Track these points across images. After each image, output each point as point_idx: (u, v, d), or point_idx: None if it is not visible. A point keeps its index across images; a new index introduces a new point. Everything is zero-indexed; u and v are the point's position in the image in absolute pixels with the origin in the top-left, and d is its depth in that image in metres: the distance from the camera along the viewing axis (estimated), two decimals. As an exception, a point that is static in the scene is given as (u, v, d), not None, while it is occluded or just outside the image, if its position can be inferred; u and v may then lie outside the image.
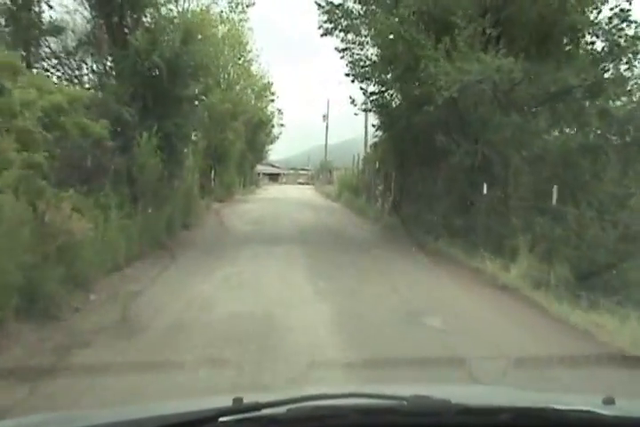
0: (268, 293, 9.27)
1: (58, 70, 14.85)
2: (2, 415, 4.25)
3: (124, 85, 14.07)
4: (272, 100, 44.11)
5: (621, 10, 13.08)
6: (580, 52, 13.87)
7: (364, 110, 19.70)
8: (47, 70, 14.71)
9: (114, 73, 14.40)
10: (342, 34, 18.00)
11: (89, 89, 14.44)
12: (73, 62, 14.53)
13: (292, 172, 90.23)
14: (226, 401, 1.85)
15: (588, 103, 13.40)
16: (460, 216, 14.42)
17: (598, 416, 1.88)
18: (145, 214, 13.25)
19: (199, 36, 15.89)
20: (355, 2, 16.34)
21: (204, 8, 21.60)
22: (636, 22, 13.09)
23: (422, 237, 15.11)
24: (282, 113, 46.43)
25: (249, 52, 32.15)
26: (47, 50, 14.80)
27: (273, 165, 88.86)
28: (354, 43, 18.23)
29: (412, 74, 14.02)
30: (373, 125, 22.26)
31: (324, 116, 61.71)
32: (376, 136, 25.83)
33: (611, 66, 13.46)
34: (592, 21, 13.71)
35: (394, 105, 18.06)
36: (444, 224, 14.69)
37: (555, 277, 9.28)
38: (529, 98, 13.11)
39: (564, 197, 11.97)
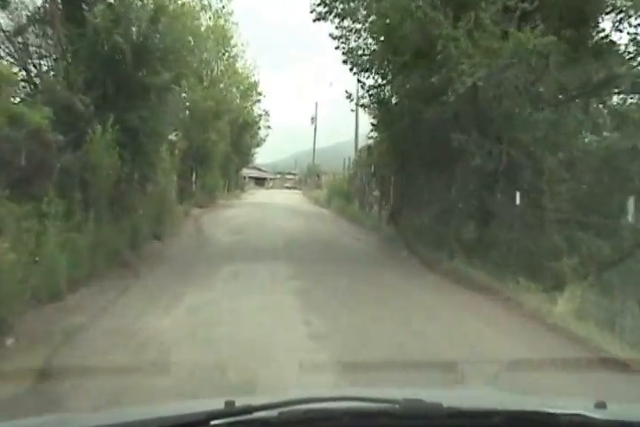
0: (246, 336, 6.82)
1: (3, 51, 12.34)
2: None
3: (79, 69, 11.60)
4: (258, 101, 41.74)
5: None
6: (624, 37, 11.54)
7: (362, 106, 17.32)
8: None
9: (68, 55, 11.89)
10: (337, 19, 15.71)
11: (38, 74, 11.95)
12: (19, 42, 12.00)
13: (278, 176, 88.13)
14: (218, 404, 1.83)
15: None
16: (477, 230, 12.06)
17: (590, 420, 1.87)
18: (100, 225, 10.77)
19: (171, 14, 13.39)
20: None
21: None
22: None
23: (431, 254, 12.71)
24: (268, 114, 44.02)
25: (233, 47, 29.71)
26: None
27: (259, 169, 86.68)
28: (350, 30, 15.89)
29: (424, 59, 11.64)
30: (374, 124, 20.00)
31: (312, 119, 59.47)
32: (370, 137, 23.55)
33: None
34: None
35: (394, 100, 15.70)
36: (457, 238, 12.31)
37: (631, 318, 6.88)
38: (563, 89, 10.75)
39: (610, 208, 9.67)
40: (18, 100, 10.94)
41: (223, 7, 28.38)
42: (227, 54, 29.19)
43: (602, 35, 11.84)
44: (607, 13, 11.44)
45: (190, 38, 20.89)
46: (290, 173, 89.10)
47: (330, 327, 7.23)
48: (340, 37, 15.96)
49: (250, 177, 76.91)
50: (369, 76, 16.06)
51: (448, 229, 13.12)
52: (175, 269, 11.40)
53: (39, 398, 5.08)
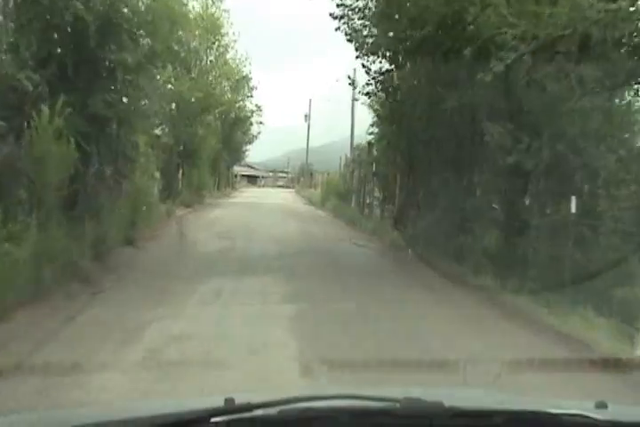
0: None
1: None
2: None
3: (30, 42, 9.40)
4: (250, 96, 39.50)
5: None
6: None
7: (366, 94, 15.17)
8: None
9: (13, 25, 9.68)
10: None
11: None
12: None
13: (271, 174, 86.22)
14: (217, 401, 1.79)
15: None
16: (507, 241, 9.96)
17: (591, 420, 1.84)
18: (48, 231, 8.58)
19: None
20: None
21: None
22: None
23: (450, 267, 10.62)
24: (261, 110, 41.72)
25: (223, 35, 27.40)
26: None
27: (252, 167, 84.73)
28: (353, 9, 13.74)
29: (449, 33, 9.52)
30: (379, 116, 17.98)
31: (305, 116, 57.27)
32: (371, 133, 21.56)
33: None
34: None
35: (404, 87, 13.60)
36: (484, 251, 10.21)
37: None
38: (622, 71, 8.63)
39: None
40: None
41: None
42: (217, 43, 26.93)
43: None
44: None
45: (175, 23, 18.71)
46: (282, 172, 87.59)
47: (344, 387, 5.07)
48: (342, 17, 13.84)
49: (242, 175, 75.05)
50: (374, 61, 13.96)
51: (470, 239, 11.03)
52: (144, 286, 9.24)
53: None
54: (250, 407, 1.76)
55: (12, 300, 7.28)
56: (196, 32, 26.37)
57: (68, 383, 5.00)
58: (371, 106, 22.22)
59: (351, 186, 26.99)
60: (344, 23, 13.72)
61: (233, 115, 39.42)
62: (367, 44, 12.96)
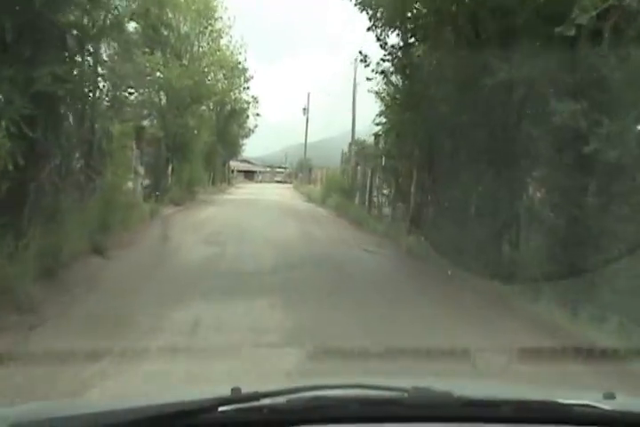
0: None
1: None
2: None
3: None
4: (247, 88, 37.10)
5: None
6: None
7: (381, 73, 12.81)
8: None
9: None
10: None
11: None
12: None
13: (268, 169, 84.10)
14: (224, 391, 1.77)
15: None
16: (572, 253, 7.63)
17: (601, 411, 1.81)
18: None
19: None
20: None
21: None
22: None
23: (493, 287, 8.29)
24: (257, 101, 39.35)
25: (216, 19, 24.91)
26: None
27: (249, 162, 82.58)
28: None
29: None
30: (396, 99, 15.71)
31: (304, 109, 54.97)
32: (378, 124, 19.19)
33: None
34: None
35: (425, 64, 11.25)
36: (542, 269, 7.88)
37: None
38: None
39: None
40: None
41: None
42: (209, 28, 24.47)
43: None
44: None
45: None
46: (280, 167, 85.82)
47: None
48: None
49: (239, 170, 73.03)
50: (390, 34, 11.62)
51: (516, 250, 8.71)
52: (98, 315, 6.88)
53: None
54: (257, 396, 1.74)
55: None
56: (188, 16, 23.99)
57: None
58: (378, 93, 19.95)
59: (354, 182, 24.67)
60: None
61: (228, 107, 37.10)
62: (383, 12, 10.63)
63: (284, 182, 68.16)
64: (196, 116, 24.99)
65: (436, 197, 12.44)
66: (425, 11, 9.84)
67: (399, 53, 11.30)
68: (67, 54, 8.25)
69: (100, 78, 11.78)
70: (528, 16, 6.42)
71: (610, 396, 1.92)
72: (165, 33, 23.90)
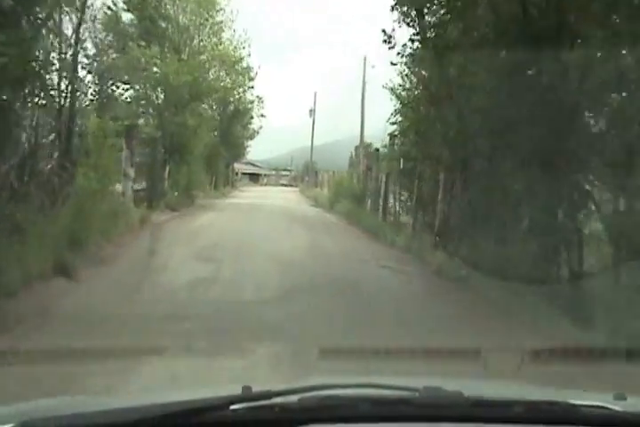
0: None
1: None
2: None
3: None
4: (251, 87, 35.07)
5: None
6: None
7: (410, 55, 10.80)
8: None
9: None
10: None
11: None
12: None
13: (273, 172, 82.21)
14: (235, 389, 1.76)
15: None
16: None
17: (611, 412, 1.80)
18: None
19: None
20: None
21: None
22: None
23: (569, 329, 6.22)
24: (262, 101, 37.31)
25: (218, 11, 22.85)
26: None
27: (254, 165, 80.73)
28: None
29: None
30: (403, 103, 13.95)
31: (310, 111, 52.98)
32: (394, 123, 17.23)
33: None
34: None
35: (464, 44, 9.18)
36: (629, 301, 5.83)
37: None
38: None
39: None
40: None
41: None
42: (210, 20, 22.42)
43: None
44: None
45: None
46: (285, 170, 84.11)
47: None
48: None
49: (243, 173, 71.23)
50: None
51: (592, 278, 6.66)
52: (36, 374, 4.88)
53: None
54: (269, 395, 1.73)
55: None
56: (187, 6, 22.00)
57: None
58: (393, 90, 18.00)
59: (366, 186, 22.63)
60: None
61: (232, 106, 35.12)
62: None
63: (290, 185, 66.26)
64: (195, 115, 22.96)
65: (469, 206, 10.38)
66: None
67: (431, 33, 9.28)
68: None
69: (80, 68, 9.74)
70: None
71: (620, 397, 1.88)
72: (163, 25, 21.93)
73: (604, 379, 4.64)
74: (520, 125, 8.38)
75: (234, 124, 36.54)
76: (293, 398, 1.70)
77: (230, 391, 1.75)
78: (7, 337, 5.85)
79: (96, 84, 14.93)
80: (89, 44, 14.30)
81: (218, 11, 22.59)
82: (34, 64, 7.39)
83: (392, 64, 11.91)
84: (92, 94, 15.06)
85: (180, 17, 21.82)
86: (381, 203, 18.39)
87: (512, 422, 1.79)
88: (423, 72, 12.38)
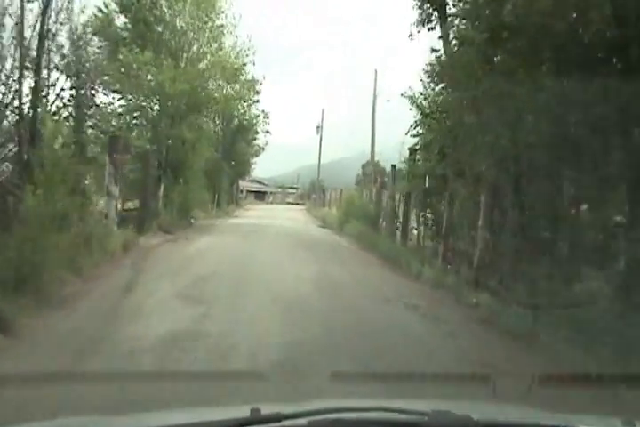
0: None
1: None
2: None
3: None
4: (256, 101, 33.05)
5: None
6: None
7: (457, 40, 8.72)
8: None
9: None
10: None
11: None
12: None
13: (279, 190, 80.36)
14: (243, 411, 1.75)
15: None
16: None
17: None
18: None
19: None
20: None
21: None
22: None
23: None
24: (268, 117, 35.32)
25: (219, 13, 20.74)
26: None
27: (260, 182, 78.93)
28: None
29: None
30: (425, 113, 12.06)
31: (317, 128, 50.99)
32: (415, 135, 15.22)
33: None
34: None
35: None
36: None
37: None
38: None
39: None
40: None
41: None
42: (209, 24, 20.33)
43: None
44: None
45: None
46: (292, 188, 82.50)
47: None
48: None
49: (249, 191, 69.46)
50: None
51: None
52: None
53: None
54: (279, 417, 1.70)
55: None
56: (184, 7, 19.96)
57: None
58: (413, 99, 15.90)
59: (379, 206, 20.42)
60: None
61: (236, 121, 33.08)
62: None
63: (296, 204, 64.35)
64: (194, 128, 20.84)
65: (525, 234, 8.14)
66: None
67: (485, 11, 7.11)
68: None
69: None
70: None
71: (629, 423, 1.86)
72: (159, 29, 19.90)
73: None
74: (605, 133, 6.18)
75: (238, 139, 34.49)
76: (302, 420, 1.69)
77: (239, 413, 1.74)
78: None
79: (72, 87, 12.84)
80: (64, 40, 12.17)
81: (218, 14, 20.50)
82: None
83: (433, 50, 9.73)
84: (68, 100, 12.99)
85: (177, 20, 19.76)
86: (399, 226, 16.16)
87: None
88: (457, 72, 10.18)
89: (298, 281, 10.49)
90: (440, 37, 13.26)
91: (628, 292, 5.94)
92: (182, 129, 19.29)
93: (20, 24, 9.44)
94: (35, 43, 10.00)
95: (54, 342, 6.34)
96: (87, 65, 13.07)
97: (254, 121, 34.35)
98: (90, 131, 13.93)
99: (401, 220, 16.18)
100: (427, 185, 13.01)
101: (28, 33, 10.06)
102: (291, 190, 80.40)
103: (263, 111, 35.48)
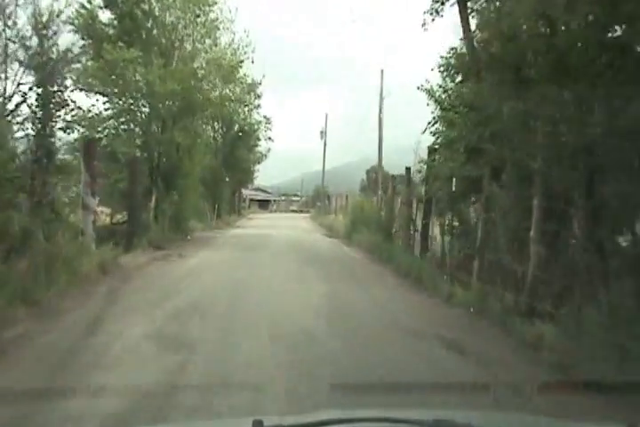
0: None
1: None
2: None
3: None
4: (258, 106, 31.18)
5: None
6: None
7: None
8: None
9: None
10: None
11: None
12: None
13: (283, 198, 78.64)
14: (246, 423, 1.71)
15: None
16: None
17: None
18: None
19: None
20: None
21: None
22: None
23: None
24: (269, 122, 33.41)
25: (212, 5, 18.71)
26: None
27: (263, 190, 77.16)
28: None
29: None
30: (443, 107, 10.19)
31: (321, 133, 49.12)
32: (436, 133, 13.41)
33: None
34: None
35: None
36: None
37: None
38: None
39: None
40: None
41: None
42: (202, 18, 18.40)
43: None
44: None
45: None
46: (295, 195, 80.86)
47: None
48: None
49: (252, 199, 67.64)
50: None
51: None
52: None
53: None
54: None
55: None
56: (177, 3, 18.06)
57: None
58: (430, 92, 14.10)
59: (392, 214, 18.41)
60: None
61: (236, 126, 31.17)
62: None
63: (300, 211, 62.52)
64: (189, 133, 18.89)
65: (601, 248, 6.14)
66: None
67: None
68: None
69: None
70: None
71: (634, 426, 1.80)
72: (148, 25, 17.99)
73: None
74: None
75: (239, 146, 32.54)
76: None
77: (241, 425, 1.78)
78: None
79: (38, 86, 10.95)
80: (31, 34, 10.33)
81: (211, 5, 18.54)
82: None
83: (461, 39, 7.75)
84: (35, 99, 11.09)
85: (167, 14, 17.83)
86: (418, 237, 14.15)
87: None
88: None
89: (305, 311, 8.48)
90: (462, 17, 11.57)
91: None
92: (175, 133, 17.33)
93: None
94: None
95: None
96: (54, 57, 11.21)
97: (256, 127, 32.46)
98: (63, 134, 12.04)
99: (419, 229, 14.18)
100: (454, 188, 11.00)
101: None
102: (295, 198, 78.76)
103: (265, 117, 33.65)
